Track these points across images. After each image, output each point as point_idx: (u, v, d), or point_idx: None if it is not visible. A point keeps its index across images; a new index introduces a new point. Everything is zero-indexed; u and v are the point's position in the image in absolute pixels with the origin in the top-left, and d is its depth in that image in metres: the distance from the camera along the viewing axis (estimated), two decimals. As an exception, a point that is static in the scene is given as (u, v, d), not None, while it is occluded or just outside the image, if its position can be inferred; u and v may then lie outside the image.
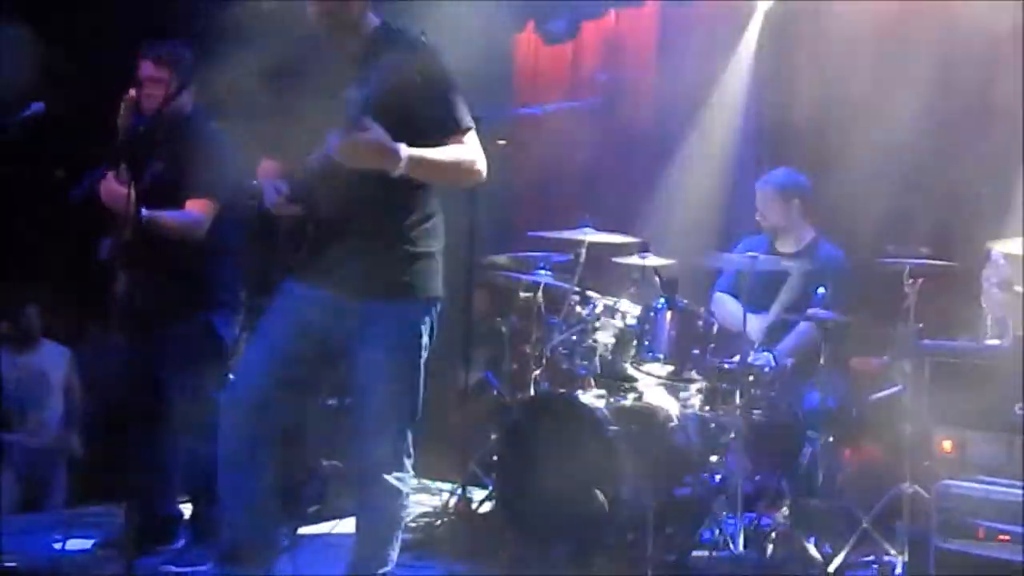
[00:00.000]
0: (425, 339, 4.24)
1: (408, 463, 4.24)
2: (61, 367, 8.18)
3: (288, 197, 4.08)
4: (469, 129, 4.17)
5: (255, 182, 4.31)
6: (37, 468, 7.93)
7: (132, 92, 5.23)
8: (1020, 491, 4.47)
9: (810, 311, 5.60)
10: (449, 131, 4.12)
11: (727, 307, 6.27)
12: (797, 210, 6.30)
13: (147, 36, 5.44)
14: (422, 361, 4.24)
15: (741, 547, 5.32)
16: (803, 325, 5.92)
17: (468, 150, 4.14)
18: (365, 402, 4.19)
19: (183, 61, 5.30)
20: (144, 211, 5.01)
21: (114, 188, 5.13)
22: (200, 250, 5.33)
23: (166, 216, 5.18)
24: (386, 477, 4.17)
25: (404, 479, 4.22)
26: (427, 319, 4.25)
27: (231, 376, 5.03)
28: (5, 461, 7.75)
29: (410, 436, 4.25)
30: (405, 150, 3.89)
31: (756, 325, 5.89)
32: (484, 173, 4.20)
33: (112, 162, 5.09)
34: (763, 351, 5.82)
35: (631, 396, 5.77)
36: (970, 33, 6.54)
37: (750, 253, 5.74)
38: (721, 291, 6.46)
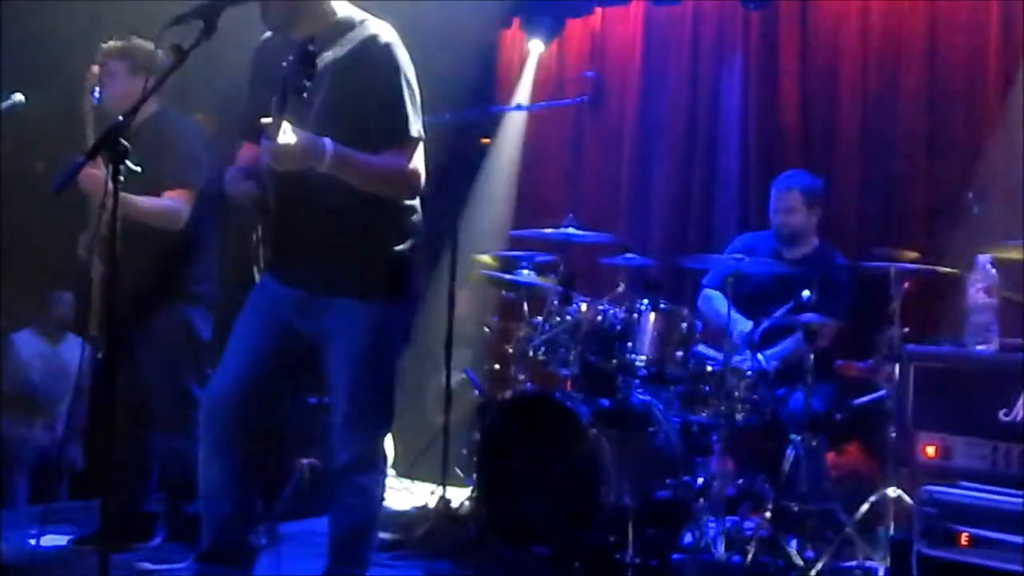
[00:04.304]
0: (396, 339, 4.15)
1: (384, 463, 4.20)
2: (77, 362, 7.52)
3: (241, 176, 3.98)
4: (413, 139, 3.99)
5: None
6: (48, 466, 7.67)
7: (94, 68, 5.19)
8: (1003, 498, 4.47)
9: (802, 316, 5.53)
10: (392, 139, 3.97)
11: (714, 305, 6.19)
12: (816, 217, 6.22)
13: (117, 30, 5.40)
14: (394, 361, 4.16)
15: (722, 551, 5.28)
16: (798, 335, 5.82)
17: (404, 161, 3.97)
18: (338, 402, 4.12)
19: (156, 62, 5.23)
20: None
21: (94, 173, 5.07)
22: (176, 243, 5.29)
23: (140, 200, 5.13)
24: (360, 477, 4.12)
25: (379, 479, 4.18)
26: (397, 319, 4.14)
27: (209, 372, 4.98)
28: (16, 456, 7.55)
29: (386, 435, 4.20)
30: (331, 148, 3.78)
31: (742, 328, 5.79)
32: (419, 187, 4.05)
33: (92, 153, 5.03)
34: (753, 354, 5.75)
35: (613, 398, 5.74)
36: (957, 33, 6.55)
37: (737, 254, 5.69)
38: (710, 287, 6.35)
